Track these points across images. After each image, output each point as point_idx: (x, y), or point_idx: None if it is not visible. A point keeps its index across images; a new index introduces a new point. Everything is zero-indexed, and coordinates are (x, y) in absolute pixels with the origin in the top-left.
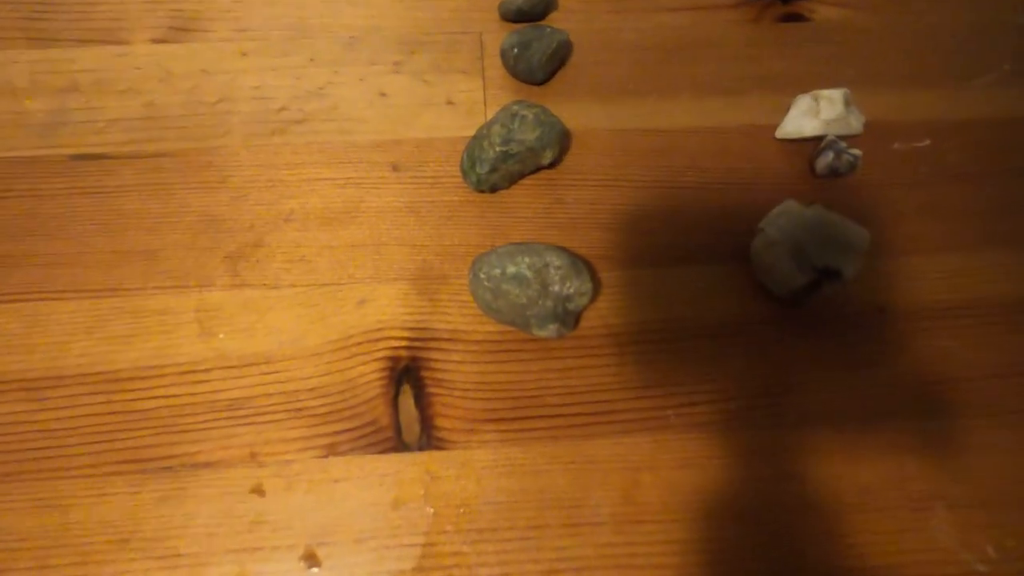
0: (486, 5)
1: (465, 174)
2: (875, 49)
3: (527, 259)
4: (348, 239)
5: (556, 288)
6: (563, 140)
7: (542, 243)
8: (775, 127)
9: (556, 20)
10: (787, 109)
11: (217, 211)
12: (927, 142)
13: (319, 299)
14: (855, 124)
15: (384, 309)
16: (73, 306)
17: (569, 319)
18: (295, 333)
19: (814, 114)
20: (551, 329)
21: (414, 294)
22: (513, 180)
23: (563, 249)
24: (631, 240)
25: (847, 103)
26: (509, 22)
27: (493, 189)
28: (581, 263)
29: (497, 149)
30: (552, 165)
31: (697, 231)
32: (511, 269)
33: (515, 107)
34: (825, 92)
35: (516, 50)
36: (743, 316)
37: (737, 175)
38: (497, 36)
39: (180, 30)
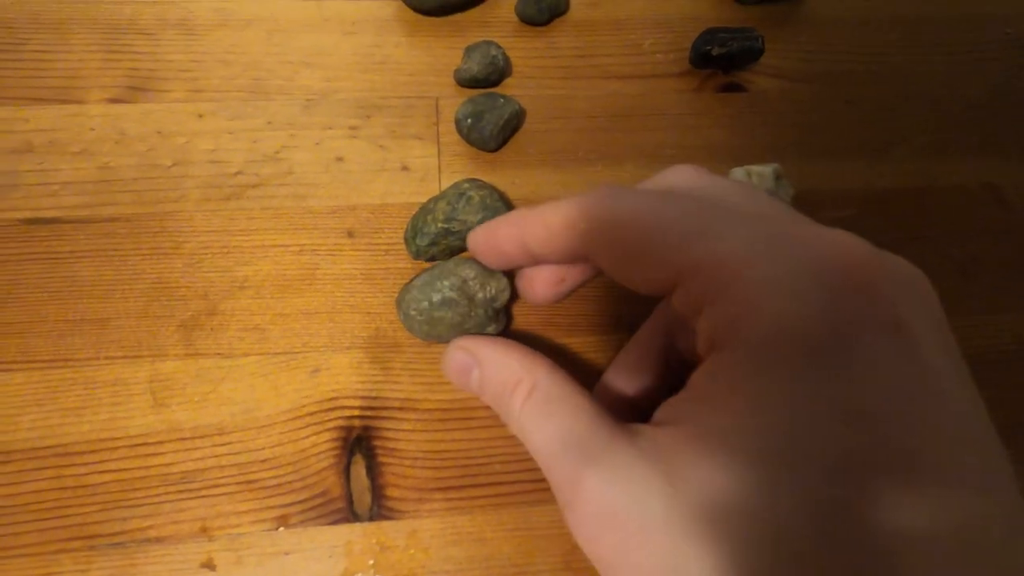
0: (442, 70)
1: (407, 243)
2: (806, 120)
3: (446, 282)
4: (303, 307)
5: (480, 295)
6: None
7: (451, 261)
8: None
9: (510, 86)
10: (726, 175)
11: (171, 278)
12: (851, 211)
13: (273, 368)
14: (784, 197)
15: (337, 378)
16: (22, 377)
17: (501, 318)
18: (248, 404)
19: None
20: (491, 331)
21: (367, 362)
22: (454, 253)
23: (471, 260)
24: (576, 307)
25: (777, 177)
26: (464, 88)
27: (431, 260)
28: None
29: (439, 225)
30: None
31: (635, 300)
32: (436, 297)
33: (465, 185)
34: (756, 167)
35: (469, 120)
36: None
37: None
38: (452, 101)
39: (136, 90)
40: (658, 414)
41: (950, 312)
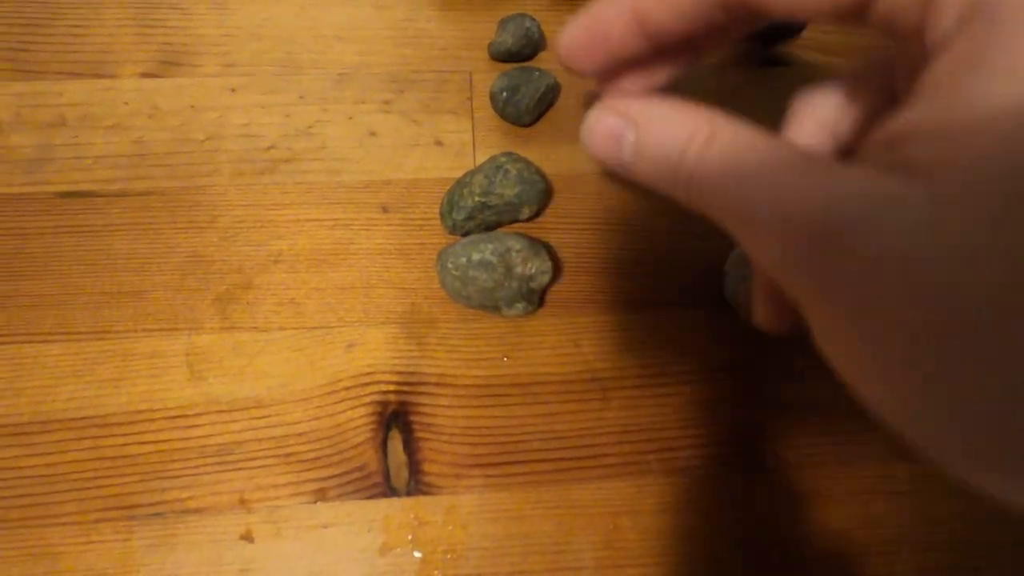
0: (475, 44)
1: (442, 217)
2: None
3: (490, 246)
4: (337, 281)
5: (519, 269)
6: (543, 198)
7: (501, 231)
8: None
9: (545, 60)
10: None
11: (206, 252)
12: None
13: (308, 343)
14: None
15: (373, 353)
16: (60, 349)
17: (533, 297)
18: (284, 377)
19: None
20: (519, 308)
21: (403, 338)
22: (489, 228)
23: (521, 234)
24: (614, 284)
25: None
26: (498, 62)
27: (466, 234)
28: (539, 245)
29: (476, 199)
30: (530, 219)
31: (678, 274)
32: (476, 256)
33: (502, 159)
34: None
35: (505, 94)
36: (722, 361)
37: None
38: (486, 76)
39: (168, 64)
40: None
41: None
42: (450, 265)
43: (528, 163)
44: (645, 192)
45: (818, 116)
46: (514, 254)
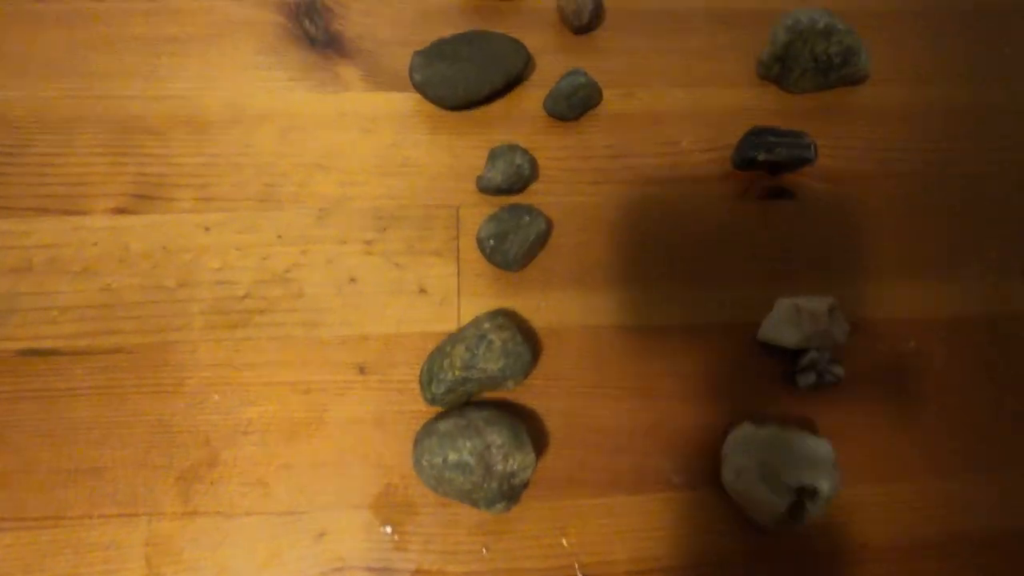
0: (465, 173)
1: (422, 387)
2: (861, 232)
3: (468, 444)
4: (310, 456)
5: (499, 467)
6: (529, 368)
7: (483, 414)
8: (757, 325)
9: (537, 192)
10: (771, 303)
11: (172, 420)
12: (911, 344)
13: (276, 530)
14: (838, 334)
15: (344, 543)
16: (11, 539)
17: (516, 493)
18: (247, 574)
19: (796, 324)
20: (499, 507)
21: (377, 524)
22: (470, 398)
23: (503, 417)
24: (603, 460)
25: (831, 311)
26: (487, 195)
27: (446, 406)
28: (524, 434)
29: (457, 372)
30: (513, 388)
31: (673, 452)
32: (452, 456)
33: (486, 325)
34: (809, 303)
35: (492, 241)
36: (718, 552)
37: (716, 380)
38: (474, 210)
39: (142, 198)
40: None
41: None
42: (424, 463)
43: (514, 331)
44: (649, 350)
45: None
46: (494, 451)
